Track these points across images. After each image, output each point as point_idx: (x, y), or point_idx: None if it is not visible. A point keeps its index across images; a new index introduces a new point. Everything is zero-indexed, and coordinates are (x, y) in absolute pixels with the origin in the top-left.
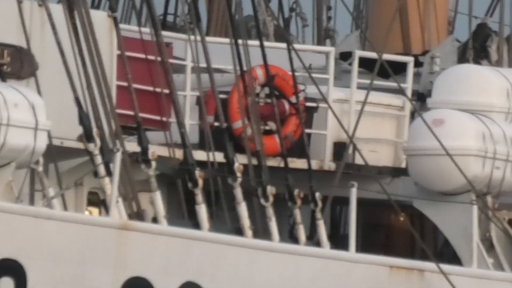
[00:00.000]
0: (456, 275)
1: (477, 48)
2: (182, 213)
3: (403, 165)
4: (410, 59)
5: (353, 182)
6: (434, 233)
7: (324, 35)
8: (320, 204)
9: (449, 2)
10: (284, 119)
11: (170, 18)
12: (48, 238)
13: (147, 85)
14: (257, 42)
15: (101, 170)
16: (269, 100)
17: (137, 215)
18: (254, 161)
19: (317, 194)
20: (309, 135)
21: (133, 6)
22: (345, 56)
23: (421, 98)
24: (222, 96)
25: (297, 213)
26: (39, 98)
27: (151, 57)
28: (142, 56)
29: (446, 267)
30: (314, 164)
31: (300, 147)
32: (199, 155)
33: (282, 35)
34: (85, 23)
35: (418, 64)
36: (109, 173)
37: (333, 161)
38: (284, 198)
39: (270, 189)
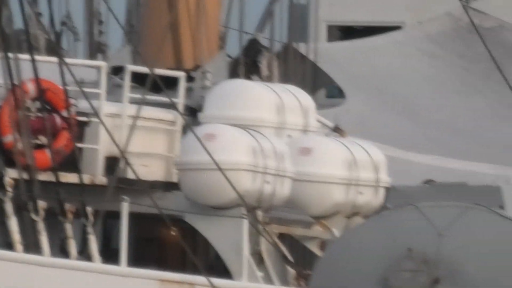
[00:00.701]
0: None
1: (248, 64)
2: None
3: (175, 180)
4: (181, 74)
5: (125, 197)
6: (206, 247)
7: (96, 49)
8: (91, 218)
9: (221, 18)
10: (55, 133)
11: None
12: None
13: None
14: (28, 56)
15: None
16: (40, 114)
17: None
18: (26, 176)
19: (89, 209)
20: (81, 149)
21: None
22: (117, 71)
23: (192, 113)
24: None
25: (68, 227)
26: None
27: None
28: None
29: (216, 280)
30: (86, 179)
31: (71, 162)
32: None
33: (53, 49)
34: None
35: (190, 79)
36: None
37: (105, 176)
38: (55, 213)
39: (41, 204)
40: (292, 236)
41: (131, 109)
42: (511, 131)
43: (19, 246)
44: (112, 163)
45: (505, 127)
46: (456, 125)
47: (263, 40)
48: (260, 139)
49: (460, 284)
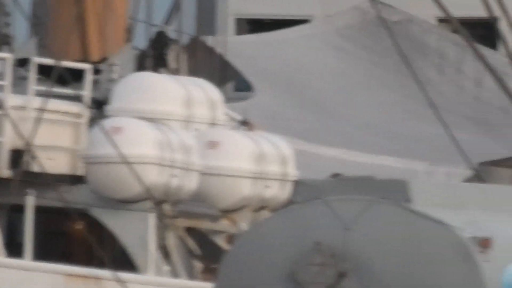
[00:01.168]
0: (133, 283)
1: (155, 56)
2: None
3: (81, 173)
4: (88, 67)
5: (30, 190)
6: (112, 241)
7: (1, 41)
8: None
9: (128, 10)
10: None
11: None
12: None
13: None
14: None
15: None
16: None
17: None
18: None
19: None
20: None
21: None
22: (22, 63)
23: (99, 106)
24: None
25: None
26: None
27: None
28: None
29: (123, 275)
30: None
31: None
32: None
33: None
34: None
35: (96, 71)
36: None
37: (9, 169)
38: None
39: None
40: (199, 230)
41: (37, 102)
42: (419, 125)
43: None
44: (17, 156)
45: (413, 121)
46: (364, 119)
47: (171, 33)
48: (167, 132)
49: (366, 277)
